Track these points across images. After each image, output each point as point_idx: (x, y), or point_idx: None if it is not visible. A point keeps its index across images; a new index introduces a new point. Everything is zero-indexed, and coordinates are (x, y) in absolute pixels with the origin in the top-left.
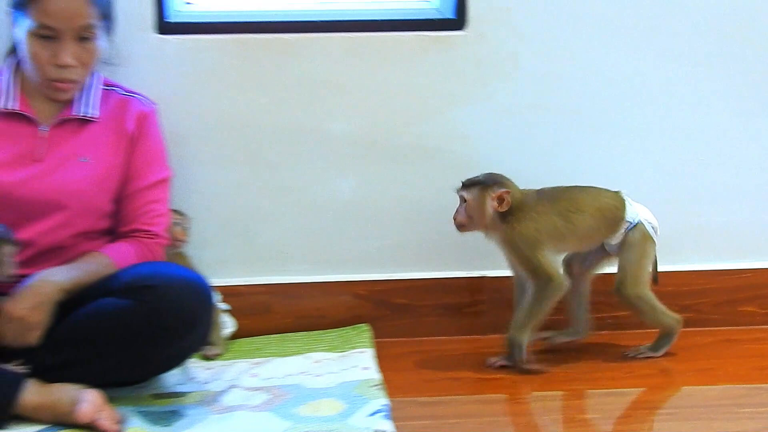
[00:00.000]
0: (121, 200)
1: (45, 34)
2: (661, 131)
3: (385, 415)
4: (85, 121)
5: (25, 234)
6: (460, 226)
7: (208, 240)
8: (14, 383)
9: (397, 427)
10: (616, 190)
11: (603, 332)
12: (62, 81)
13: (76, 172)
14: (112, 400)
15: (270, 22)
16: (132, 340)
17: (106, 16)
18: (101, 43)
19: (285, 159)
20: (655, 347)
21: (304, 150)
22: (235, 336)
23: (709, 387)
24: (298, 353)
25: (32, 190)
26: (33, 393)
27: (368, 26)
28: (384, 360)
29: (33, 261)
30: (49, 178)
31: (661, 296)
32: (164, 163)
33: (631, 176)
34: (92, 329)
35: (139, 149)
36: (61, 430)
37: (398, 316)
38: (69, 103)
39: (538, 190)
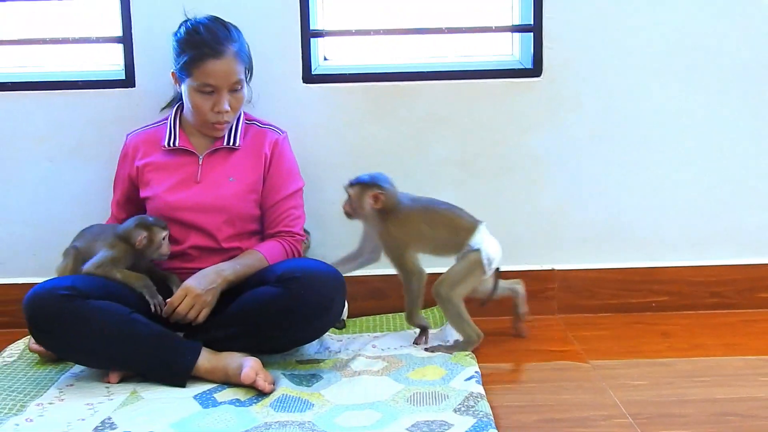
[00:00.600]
0: (266, 210)
1: (206, 91)
2: (699, 155)
3: (477, 380)
4: (231, 150)
5: (190, 238)
6: (346, 215)
7: (339, 242)
8: (193, 352)
9: (486, 390)
10: (479, 219)
11: (646, 314)
12: (219, 123)
13: (227, 189)
14: (265, 365)
15: (388, 72)
16: (282, 319)
17: (249, 69)
18: (245, 91)
19: (397, 177)
20: (451, 348)
21: (411, 170)
22: (357, 315)
23: (735, 358)
24: (408, 329)
25: (194, 205)
26: (207, 359)
27: (463, 75)
28: None
29: (195, 258)
30: (206, 195)
31: (696, 285)
32: (297, 176)
33: (672, 190)
34: (252, 310)
35: (275, 168)
36: (228, 388)
37: None
38: (219, 137)
39: (415, 197)
